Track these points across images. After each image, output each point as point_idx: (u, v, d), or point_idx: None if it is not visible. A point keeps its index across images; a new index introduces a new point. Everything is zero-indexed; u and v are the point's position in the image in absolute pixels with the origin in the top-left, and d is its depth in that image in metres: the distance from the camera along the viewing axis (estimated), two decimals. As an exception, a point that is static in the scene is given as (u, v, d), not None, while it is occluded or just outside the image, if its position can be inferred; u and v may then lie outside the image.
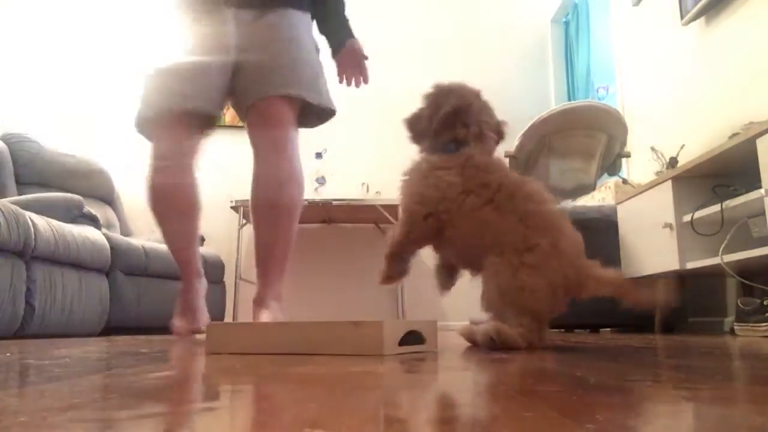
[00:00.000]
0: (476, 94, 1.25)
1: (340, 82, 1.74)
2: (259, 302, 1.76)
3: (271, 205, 1.60)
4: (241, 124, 1.74)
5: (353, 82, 1.77)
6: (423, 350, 1.33)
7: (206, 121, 1.61)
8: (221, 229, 4.20)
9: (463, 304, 4.12)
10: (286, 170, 1.55)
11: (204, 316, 1.92)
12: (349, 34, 1.76)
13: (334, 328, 1.26)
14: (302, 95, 1.53)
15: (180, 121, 1.56)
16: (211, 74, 1.54)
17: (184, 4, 1.62)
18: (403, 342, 1.25)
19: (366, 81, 1.79)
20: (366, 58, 1.78)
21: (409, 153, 5.04)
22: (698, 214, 2.26)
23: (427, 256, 4.67)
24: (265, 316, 1.71)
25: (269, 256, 1.67)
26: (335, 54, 1.73)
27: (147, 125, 1.62)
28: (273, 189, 1.58)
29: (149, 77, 1.62)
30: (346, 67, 1.75)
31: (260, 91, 1.55)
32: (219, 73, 1.55)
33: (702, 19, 2.88)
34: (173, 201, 1.58)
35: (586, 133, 3.21)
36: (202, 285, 1.85)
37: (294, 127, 1.58)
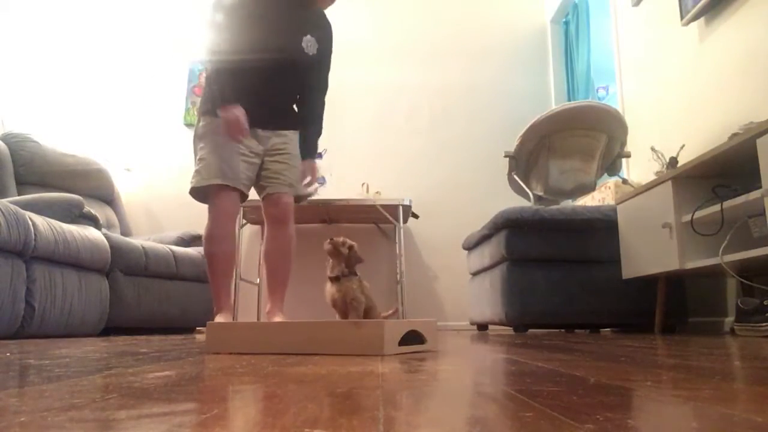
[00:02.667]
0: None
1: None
2: (272, 313, 2.47)
3: (280, 255, 2.48)
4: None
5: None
6: (423, 350, 1.33)
7: (242, 198, 2.44)
8: (221, 229, 4.20)
9: (463, 305, 4.12)
10: (288, 235, 2.47)
11: None
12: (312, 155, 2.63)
13: (335, 328, 1.26)
14: (296, 192, 2.50)
15: (230, 195, 2.34)
16: (248, 168, 2.38)
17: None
18: (403, 342, 1.25)
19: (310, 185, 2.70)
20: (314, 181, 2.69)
21: (409, 154, 5.13)
22: (698, 214, 2.26)
23: (427, 257, 4.63)
24: (279, 318, 2.42)
25: (278, 285, 2.49)
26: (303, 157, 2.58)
27: (202, 193, 2.37)
28: (281, 246, 2.47)
29: (207, 163, 2.33)
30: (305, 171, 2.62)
31: (274, 188, 2.43)
32: (251, 168, 2.39)
33: (702, 19, 2.88)
34: (222, 249, 2.38)
35: (586, 133, 3.21)
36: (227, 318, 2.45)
37: (292, 207, 2.49)
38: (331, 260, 2.26)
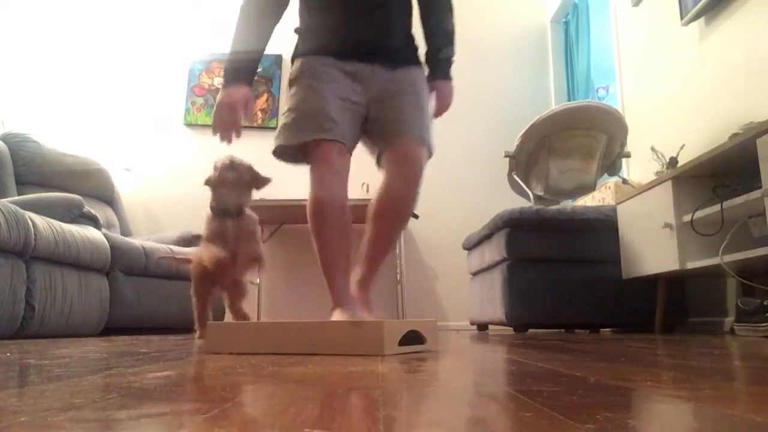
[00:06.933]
0: None
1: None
2: (361, 295, 1.88)
3: (395, 216, 1.89)
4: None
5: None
6: (423, 350, 1.33)
7: (348, 151, 1.86)
8: (221, 229, 4.19)
9: (463, 305, 4.12)
10: (412, 195, 1.84)
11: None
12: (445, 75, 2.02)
13: (335, 328, 1.26)
14: (427, 140, 1.84)
15: (331, 148, 1.76)
16: (352, 117, 1.83)
17: (331, 57, 1.84)
18: (403, 342, 1.25)
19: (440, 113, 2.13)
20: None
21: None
22: (698, 214, 2.26)
23: (427, 257, 4.64)
24: (364, 313, 1.83)
25: (382, 249, 1.93)
26: (430, 80, 1.99)
27: (291, 153, 1.83)
28: (402, 206, 1.87)
29: (299, 114, 1.80)
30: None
31: (400, 133, 1.80)
32: (354, 118, 1.84)
33: (702, 19, 2.87)
34: (334, 221, 1.81)
35: (586, 133, 3.21)
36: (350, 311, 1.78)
37: (423, 163, 1.84)
38: (222, 190, 2.02)
